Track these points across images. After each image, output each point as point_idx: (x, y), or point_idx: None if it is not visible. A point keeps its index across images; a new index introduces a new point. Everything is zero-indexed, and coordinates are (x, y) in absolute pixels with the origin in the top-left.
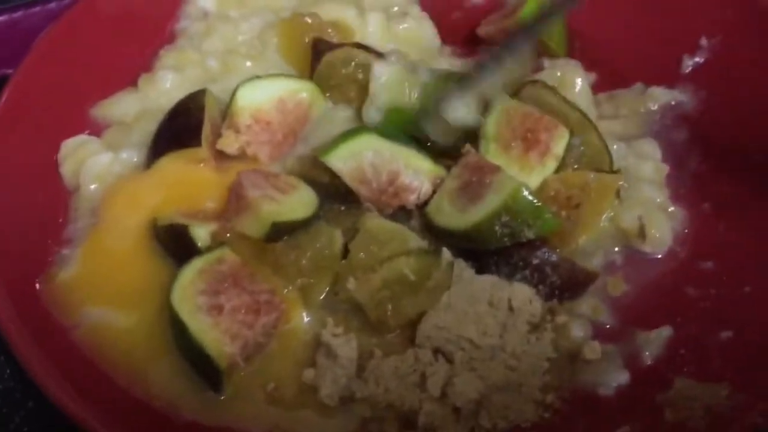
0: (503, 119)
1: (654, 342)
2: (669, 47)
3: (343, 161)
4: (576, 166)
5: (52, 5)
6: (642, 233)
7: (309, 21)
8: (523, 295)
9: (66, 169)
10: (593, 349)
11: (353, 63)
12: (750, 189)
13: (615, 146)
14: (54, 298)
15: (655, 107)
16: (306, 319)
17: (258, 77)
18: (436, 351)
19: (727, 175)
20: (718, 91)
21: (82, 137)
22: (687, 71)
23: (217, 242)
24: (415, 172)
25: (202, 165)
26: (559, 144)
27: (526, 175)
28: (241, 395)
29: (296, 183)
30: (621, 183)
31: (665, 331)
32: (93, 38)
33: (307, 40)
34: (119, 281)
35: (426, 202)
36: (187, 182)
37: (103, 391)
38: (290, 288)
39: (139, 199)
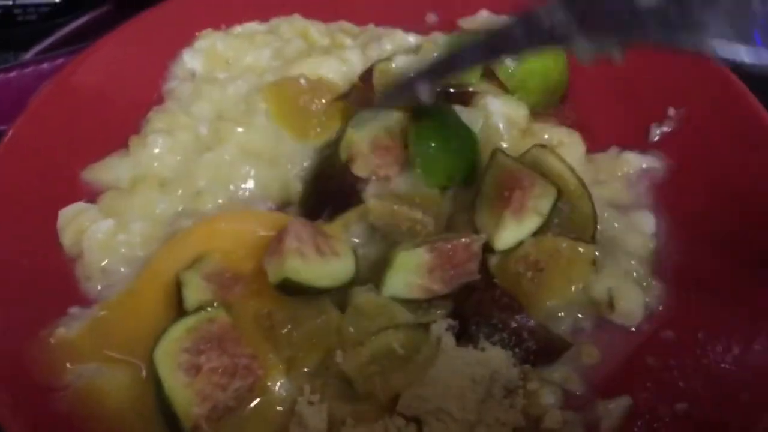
0: (493, 177)
1: (613, 412)
2: (638, 115)
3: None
4: (558, 230)
5: (45, 66)
6: (611, 305)
7: (300, 82)
8: (501, 361)
9: (66, 239)
10: (554, 418)
11: None
12: (720, 262)
13: (606, 213)
14: (50, 357)
15: (631, 171)
16: (284, 387)
17: (363, 111)
18: (414, 420)
19: (698, 248)
20: (686, 161)
21: (78, 205)
22: (655, 140)
23: (214, 302)
24: None
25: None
26: (542, 202)
27: (498, 232)
28: None
29: (342, 252)
30: (596, 254)
31: (624, 401)
32: (83, 99)
33: (301, 102)
34: (128, 333)
35: None
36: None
37: None
38: (274, 355)
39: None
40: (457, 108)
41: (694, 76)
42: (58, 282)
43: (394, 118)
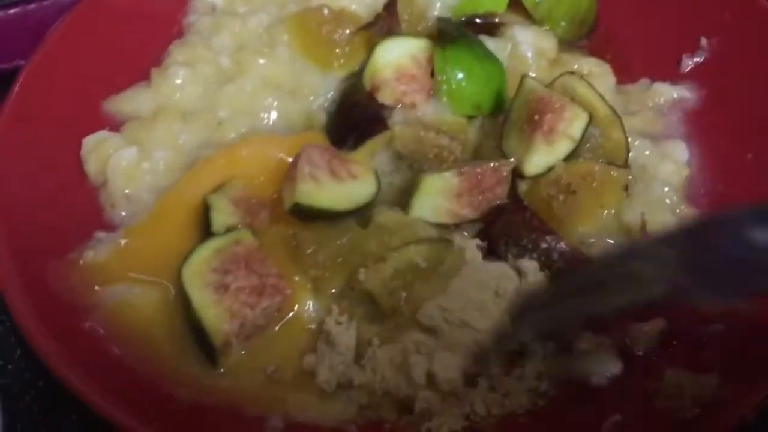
0: (523, 102)
1: (647, 334)
2: (670, 46)
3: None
4: (590, 155)
5: None
6: (644, 230)
7: (323, 12)
8: (529, 272)
9: (91, 166)
10: (588, 340)
11: None
12: (754, 189)
13: (638, 142)
14: (78, 279)
15: (662, 102)
16: (312, 307)
17: (388, 39)
18: (432, 333)
19: (731, 176)
20: (717, 91)
21: (102, 134)
22: (686, 70)
23: (239, 225)
24: None
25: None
26: (574, 125)
27: (528, 156)
28: (241, 374)
29: (362, 174)
30: (629, 178)
31: (658, 324)
32: (103, 31)
33: (324, 33)
34: (155, 255)
35: None
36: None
37: (112, 371)
38: (301, 277)
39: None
40: (484, 38)
41: (727, 4)
42: (84, 208)
43: (419, 45)
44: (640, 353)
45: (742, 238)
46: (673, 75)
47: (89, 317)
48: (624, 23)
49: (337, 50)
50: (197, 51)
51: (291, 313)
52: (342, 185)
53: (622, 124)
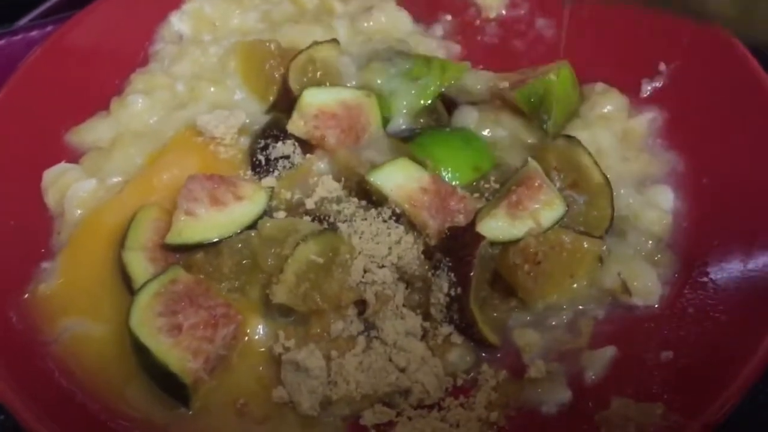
0: (516, 179)
1: (598, 361)
2: (630, 71)
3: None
4: (567, 221)
5: (35, 33)
6: (626, 289)
7: (269, 47)
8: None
9: (50, 198)
10: (538, 368)
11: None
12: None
13: (623, 191)
14: (36, 312)
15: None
16: (261, 331)
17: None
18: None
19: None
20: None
21: (62, 165)
22: (646, 95)
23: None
24: None
25: None
26: (545, 213)
27: (486, 217)
28: (212, 410)
29: (251, 194)
30: (603, 249)
31: (609, 351)
32: (72, 63)
33: (267, 67)
34: (94, 292)
35: None
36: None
37: (72, 412)
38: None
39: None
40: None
41: (687, 31)
42: (36, 238)
43: (353, 94)
44: (590, 382)
45: None
46: (633, 100)
47: (48, 353)
48: (584, 49)
49: (273, 87)
50: (156, 78)
51: (245, 339)
52: (222, 212)
53: (611, 196)
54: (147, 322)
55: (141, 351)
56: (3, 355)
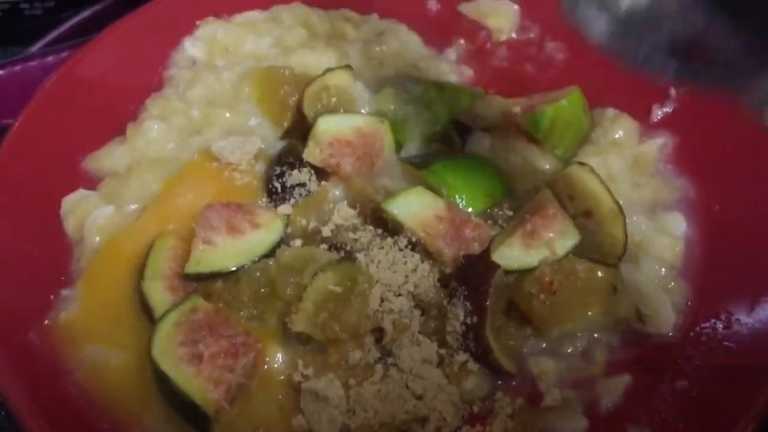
0: (530, 207)
1: (613, 390)
2: (641, 96)
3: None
4: (580, 249)
5: (50, 59)
6: (640, 318)
7: (284, 73)
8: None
9: (69, 225)
10: (554, 396)
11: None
12: None
13: (635, 218)
14: (57, 338)
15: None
16: (280, 359)
17: (337, 113)
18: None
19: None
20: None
21: (80, 192)
22: (657, 120)
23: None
24: None
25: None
26: (559, 242)
27: (501, 246)
28: None
29: (267, 222)
30: (617, 277)
31: (624, 379)
32: (87, 88)
33: (281, 93)
34: (113, 319)
35: None
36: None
37: None
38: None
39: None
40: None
41: None
42: (56, 265)
43: (366, 120)
44: (605, 410)
45: None
46: (644, 125)
47: (70, 381)
48: (594, 76)
49: (288, 113)
50: (171, 104)
51: (265, 367)
52: (240, 241)
53: (624, 223)
54: (169, 352)
55: (162, 380)
56: (26, 382)
